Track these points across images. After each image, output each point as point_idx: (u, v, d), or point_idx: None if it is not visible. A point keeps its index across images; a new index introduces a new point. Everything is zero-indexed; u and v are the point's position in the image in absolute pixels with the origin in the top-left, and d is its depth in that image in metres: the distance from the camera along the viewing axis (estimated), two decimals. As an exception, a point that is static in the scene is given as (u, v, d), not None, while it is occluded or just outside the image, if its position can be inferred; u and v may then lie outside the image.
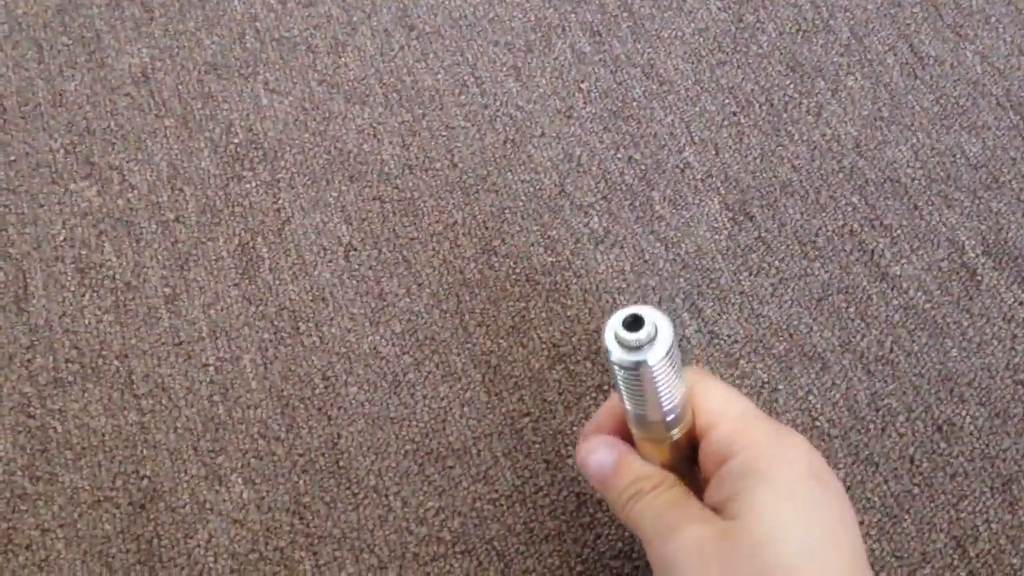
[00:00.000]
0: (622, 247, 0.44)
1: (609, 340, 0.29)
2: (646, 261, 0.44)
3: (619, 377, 0.30)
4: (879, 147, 0.46)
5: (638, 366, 0.29)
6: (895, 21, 0.49)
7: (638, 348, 0.29)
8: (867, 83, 0.48)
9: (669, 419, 0.31)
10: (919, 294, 0.42)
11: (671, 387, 0.30)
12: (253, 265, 0.45)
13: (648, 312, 0.29)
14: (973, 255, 0.42)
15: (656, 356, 0.29)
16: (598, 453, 0.33)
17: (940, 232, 0.43)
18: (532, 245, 0.45)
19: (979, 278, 0.42)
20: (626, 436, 0.33)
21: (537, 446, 0.40)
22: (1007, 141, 0.45)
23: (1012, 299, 0.41)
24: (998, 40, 0.48)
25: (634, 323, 0.29)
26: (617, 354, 0.29)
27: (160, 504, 0.40)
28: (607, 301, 0.43)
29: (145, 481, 0.41)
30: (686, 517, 0.30)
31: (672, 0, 0.51)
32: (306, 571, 0.38)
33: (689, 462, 0.33)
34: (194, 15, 0.52)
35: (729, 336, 0.42)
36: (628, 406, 0.31)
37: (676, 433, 0.32)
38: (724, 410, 0.31)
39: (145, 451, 0.41)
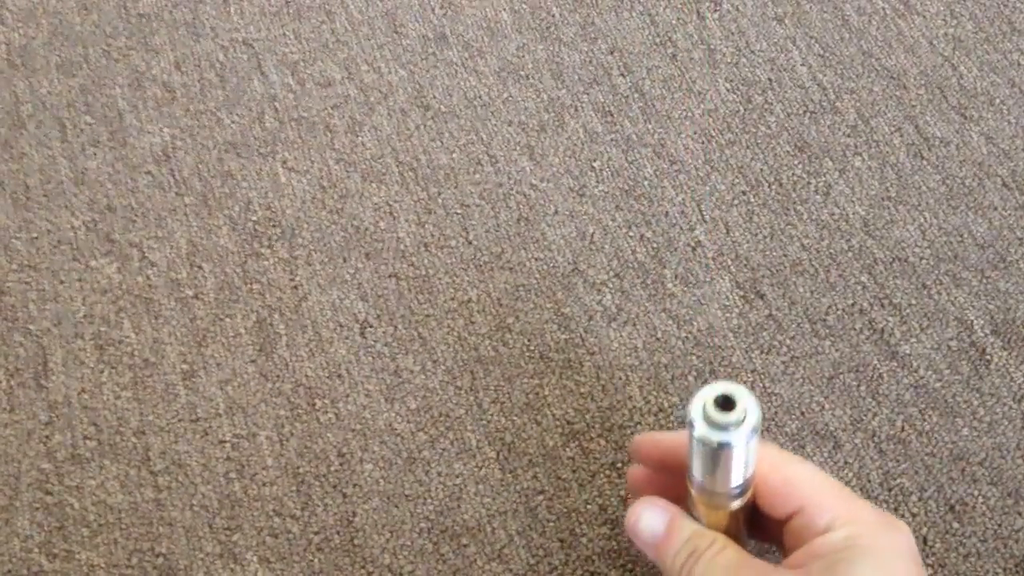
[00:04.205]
0: (635, 324, 0.46)
1: (696, 414, 0.30)
2: (658, 339, 0.46)
3: (697, 450, 0.30)
4: (887, 226, 0.48)
5: (722, 446, 0.29)
6: (900, 103, 0.52)
7: (725, 428, 0.29)
8: (874, 163, 0.50)
9: (736, 492, 0.32)
10: (929, 373, 0.44)
11: (748, 464, 0.31)
12: (270, 342, 0.47)
13: (740, 393, 0.30)
14: (982, 334, 0.44)
15: (742, 438, 0.29)
16: (647, 517, 0.33)
17: (949, 311, 0.45)
18: (546, 322, 0.47)
19: (988, 357, 0.44)
20: (672, 494, 0.34)
21: (551, 525, 0.41)
22: (1013, 221, 0.47)
23: (1022, 378, 0.43)
24: (1002, 121, 0.51)
25: (725, 403, 0.29)
26: (702, 431, 0.30)
27: (175, 582, 0.42)
28: (620, 379, 0.45)
29: (161, 559, 0.42)
30: (763, 573, 0.31)
31: (682, 81, 0.54)
32: (321, 650, 0.40)
33: (739, 529, 0.34)
34: (215, 95, 0.55)
35: (741, 414, 0.43)
36: (697, 475, 0.32)
37: (737, 504, 0.33)
38: (823, 485, 0.33)
39: (161, 528, 0.43)
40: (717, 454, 0.30)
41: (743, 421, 0.30)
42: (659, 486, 0.36)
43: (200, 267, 0.49)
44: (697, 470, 0.32)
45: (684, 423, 0.33)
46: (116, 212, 0.51)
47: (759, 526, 0.35)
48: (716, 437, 0.30)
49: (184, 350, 0.47)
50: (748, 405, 0.30)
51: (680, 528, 0.33)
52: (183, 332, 0.48)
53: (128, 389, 0.46)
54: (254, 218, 0.51)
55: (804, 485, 0.33)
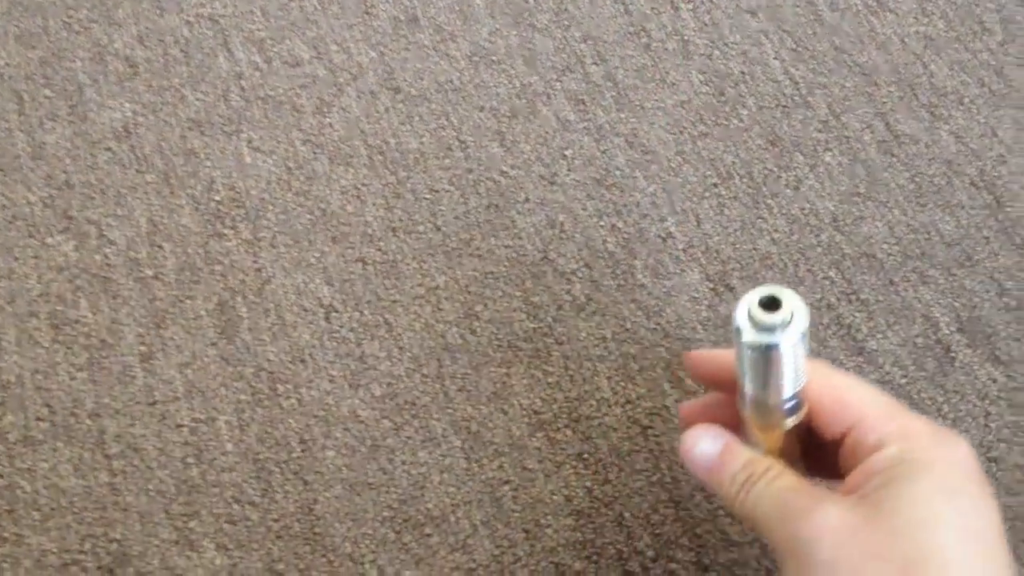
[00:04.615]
0: (604, 315, 0.46)
1: (741, 319, 0.29)
2: (627, 329, 0.46)
3: (745, 357, 0.30)
4: (856, 222, 0.48)
5: (770, 348, 0.29)
6: (872, 99, 0.52)
7: (772, 330, 0.29)
8: (844, 159, 0.50)
9: (789, 405, 0.31)
10: (895, 369, 0.44)
11: (798, 372, 0.30)
12: (232, 325, 0.46)
13: (786, 294, 0.29)
14: (948, 332, 0.45)
15: (790, 340, 0.29)
16: (702, 443, 0.33)
17: (915, 308, 0.46)
18: (514, 311, 0.46)
19: (953, 355, 0.44)
20: (730, 425, 0.34)
21: (516, 515, 0.41)
22: (981, 220, 0.48)
23: (985, 376, 0.44)
24: (972, 120, 0.51)
25: (771, 304, 0.29)
26: (750, 335, 0.29)
27: (129, 569, 0.41)
28: (588, 369, 0.45)
29: (114, 545, 0.41)
30: (818, 497, 0.30)
31: (655, 72, 0.54)
32: (280, 639, 0.39)
33: (795, 454, 0.34)
34: (178, 71, 0.54)
35: (709, 407, 0.44)
36: (748, 388, 0.31)
37: (792, 421, 0.32)
38: (875, 402, 0.32)
39: (115, 513, 0.42)
40: (767, 358, 0.29)
41: (790, 322, 0.29)
42: (711, 419, 0.35)
43: (160, 247, 0.49)
44: (748, 383, 0.31)
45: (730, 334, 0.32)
46: (74, 188, 0.50)
47: (817, 460, 0.34)
48: (764, 339, 0.29)
49: (142, 331, 0.46)
50: (795, 306, 0.29)
51: (736, 453, 0.33)
52: (142, 313, 0.47)
53: (83, 370, 0.45)
54: (217, 198, 0.50)
55: (856, 400, 0.32)
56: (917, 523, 0.29)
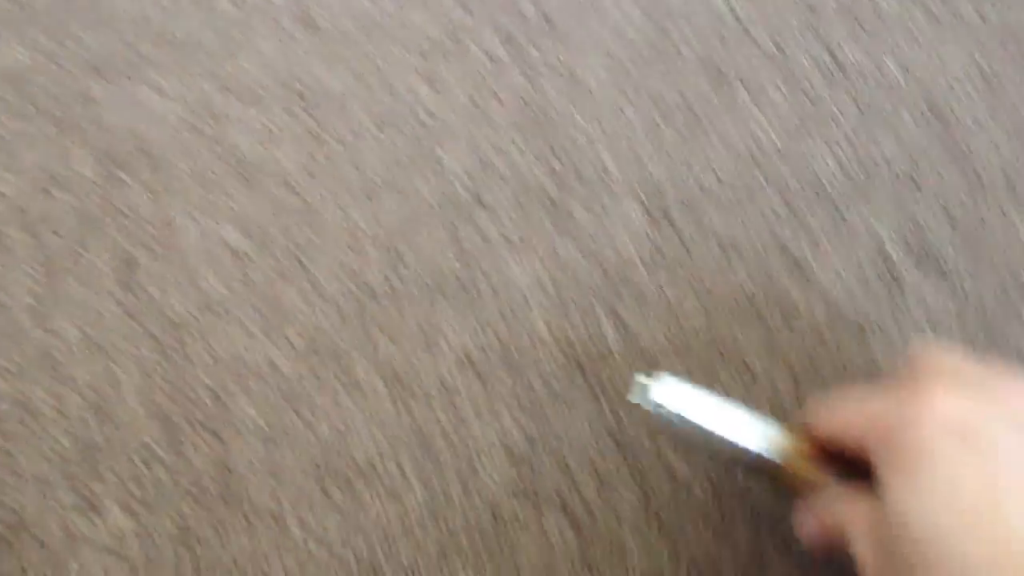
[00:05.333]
0: (537, 253, 0.44)
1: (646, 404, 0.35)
2: (564, 269, 0.44)
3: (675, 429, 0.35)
4: (801, 154, 0.47)
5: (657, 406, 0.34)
6: (815, 29, 0.51)
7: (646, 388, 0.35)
8: (788, 91, 0.49)
9: (750, 451, 0.34)
10: (843, 296, 0.43)
11: (718, 418, 0.34)
12: (134, 277, 0.43)
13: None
14: (896, 256, 0.44)
15: (663, 388, 0.35)
16: (805, 528, 0.34)
17: (863, 236, 0.44)
18: (442, 252, 0.44)
19: (902, 279, 0.43)
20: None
21: (449, 461, 0.39)
22: (927, 147, 0.47)
23: (934, 300, 0.42)
24: (917, 49, 0.50)
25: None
26: (640, 398, 0.35)
27: (26, 537, 0.38)
28: (522, 309, 0.43)
29: (10, 513, 0.38)
30: (848, 497, 0.31)
31: (593, 7, 0.52)
32: (190, 604, 0.36)
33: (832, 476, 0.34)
34: (76, 12, 0.51)
35: (652, 345, 0.42)
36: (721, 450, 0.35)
37: (779, 459, 0.34)
38: (844, 412, 0.32)
39: (9, 479, 0.39)
40: (675, 420, 0.35)
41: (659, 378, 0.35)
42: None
43: (56, 198, 0.45)
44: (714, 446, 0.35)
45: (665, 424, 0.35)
46: (-40, 137, 0.47)
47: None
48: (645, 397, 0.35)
49: (35, 287, 0.43)
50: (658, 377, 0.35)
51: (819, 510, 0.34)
52: (35, 267, 0.44)
53: (-29, 328, 0.42)
54: (119, 146, 0.47)
55: (830, 421, 0.32)
56: (895, 523, 0.28)
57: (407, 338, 0.42)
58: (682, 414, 0.35)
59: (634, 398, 0.35)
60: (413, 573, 0.37)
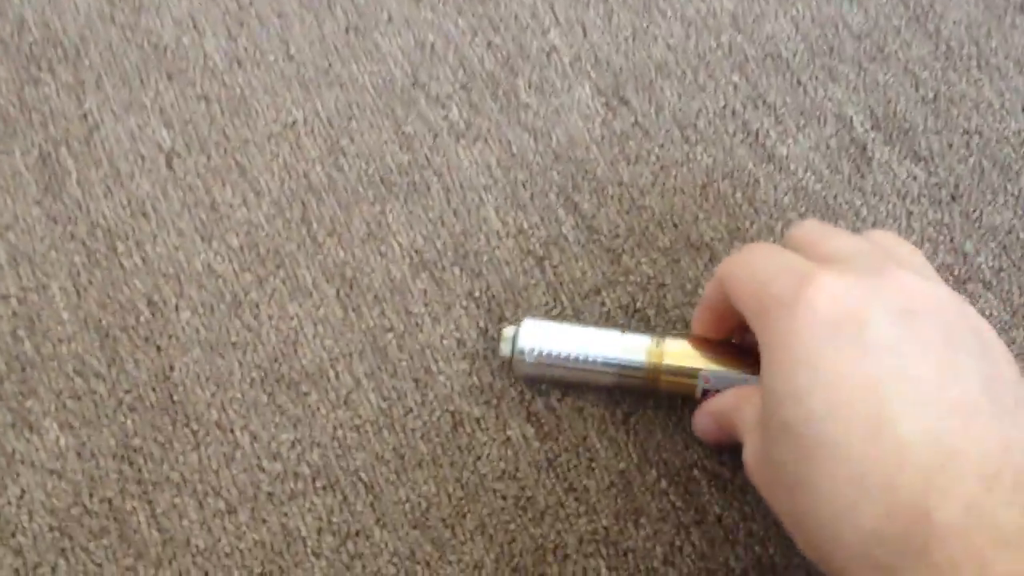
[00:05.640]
0: (486, 140, 0.42)
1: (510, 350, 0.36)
2: (514, 155, 0.42)
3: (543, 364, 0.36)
4: (757, 21, 0.45)
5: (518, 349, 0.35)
6: None
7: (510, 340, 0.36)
8: (743, -46, 0.46)
9: (624, 365, 0.35)
10: (808, 174, 0.41)
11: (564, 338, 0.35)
12: (57, 179, 0.41)
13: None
14: (862, 130, 0.42)
15: (527, 332, 0.35)
16: (699, 425, 0.35)
17: (826, 108, 0.43)
18: (385, 143, 0.42)
19: (869, 154, 0.42)
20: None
21: (404, 364, 0.38)
22: (890, 9, 0.45)
23: (905, 174, 0.41)
24: (877, -95, 0.48)
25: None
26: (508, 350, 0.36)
27: (-41, 462, 0.36)
28: (473, 200, 0.41)
29: (-61, 438, 0.37)
30: (741, 390, 0.33)
31: None
32: (140, 523, 0.35)
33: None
34: None
35: (609, 231, 0.40)
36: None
37: (655, 368, 0.34)
38: (744, 268, 0.31)
39: (-63, 403, 0.37)
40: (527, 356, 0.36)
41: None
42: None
43: (-38, 97, 0.42)
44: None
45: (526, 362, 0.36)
46: None
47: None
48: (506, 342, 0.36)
49: (-51, 195, 0.40)
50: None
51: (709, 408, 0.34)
52: (-54, 174, 0.41)
53: None
54: (30, 39, 0.44)
55: (713, 300, 0.33)
56: (771, 403, 0.28)
57: (354, 236, 0.40)
58: (552, 351, 0.35)
59: (504, 351, 0.36)
60: (370, 483, 0.36)
